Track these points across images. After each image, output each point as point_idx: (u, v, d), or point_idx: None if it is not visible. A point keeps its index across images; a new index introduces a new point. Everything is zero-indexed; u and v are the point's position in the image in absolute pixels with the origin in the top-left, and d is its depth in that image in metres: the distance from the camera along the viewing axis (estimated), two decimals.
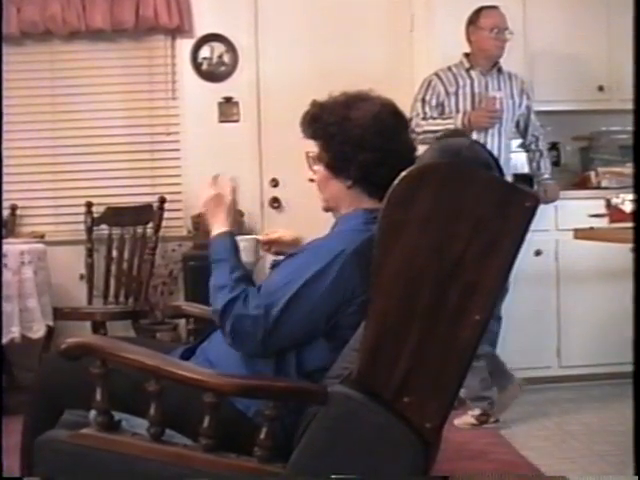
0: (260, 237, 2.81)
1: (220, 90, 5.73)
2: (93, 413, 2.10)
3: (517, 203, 1.84)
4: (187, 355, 2.45)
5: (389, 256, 1.86)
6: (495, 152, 4.76)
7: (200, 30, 5.71)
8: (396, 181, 1.84)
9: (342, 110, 2.37)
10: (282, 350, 2.26)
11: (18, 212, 5.63)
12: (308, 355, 2.25)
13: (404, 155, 2.32)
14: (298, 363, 2.25)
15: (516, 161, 5.24)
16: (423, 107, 4.91)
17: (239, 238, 2.66)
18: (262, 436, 2.00)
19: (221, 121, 5.74)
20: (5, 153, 5.33)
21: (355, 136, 2.33)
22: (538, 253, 5.12)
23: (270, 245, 2.80)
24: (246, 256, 2.60)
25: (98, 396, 2.07)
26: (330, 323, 2.23)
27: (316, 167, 2.46)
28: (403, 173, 1.85)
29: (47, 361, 2.76)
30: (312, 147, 2.47)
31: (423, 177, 1.85)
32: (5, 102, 5.35)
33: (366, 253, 2.15)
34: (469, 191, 1.84)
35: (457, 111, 4.88)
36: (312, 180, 2.50)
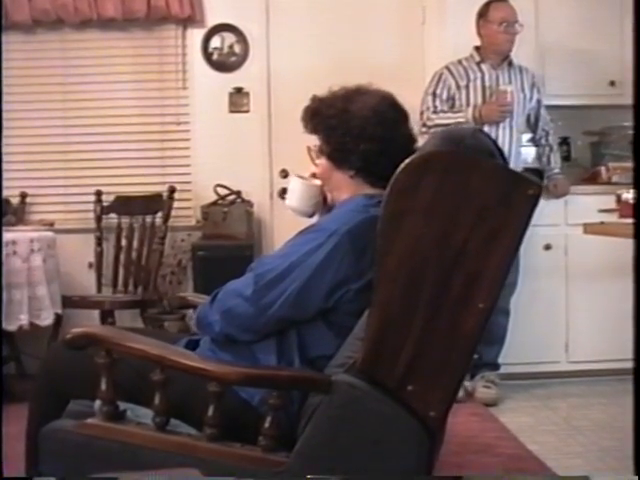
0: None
1: (230, 80, 5.72)
2: (98, 403, 2.11)
3: (520, 191, 1.84)
4: (191, 346, 2.45)
5: (393, 244, 1.87)
6: (506, 146, 4.76)
7: (211, 20, 5.70)
8: (399, 169, 1.85)
9: (341, 103, 2.41)
10: (281, 332, 2.28)
11: (28, 200, 5.64)
12: (310, 340, 2.27)
13: (404, 146, 2.35)
14: (301, 349, 2.26)
15: (526, 155, 5.23)
16: (434, 101, 4.91)
17: (309, 184, 2.57)
18: (266, 425, 2.01)
19: (231, 111, 5.73)
20: (16, 141, 5.39)
21: (355, 127, 2.37)
22: (547, 247, 5.11)
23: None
24: (314, 206, 2.55)
25: (103, 386, 2.09)
26: (327, 305, 2.24)
27: (318, 160, 2.49)
28: (406, 161, 1.85)
29: (53, 350, 2.77)
30: (316, 141, 2.49)
31: (426, 165, 1.86)
32: (16, 90, 5.40)
33: (361, 234, 2.19)
34: (472, 179, 1.84)
35: (468, 105, 4.88)
36: (314, 175, 2.53)
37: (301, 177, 2.59)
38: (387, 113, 2.38)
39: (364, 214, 2.25)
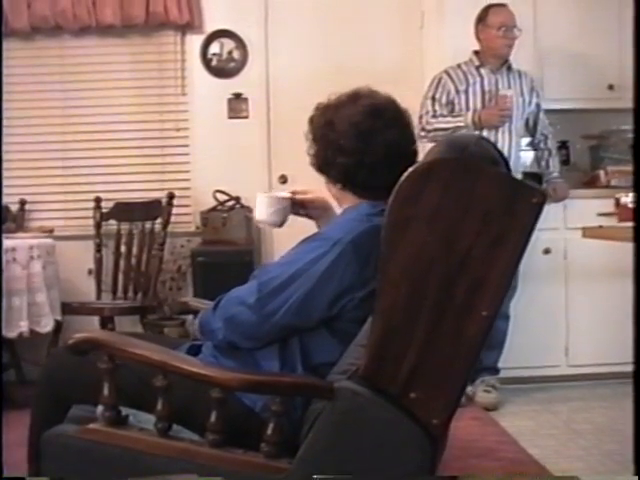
0: (292, 196, 2.65)
1: (229, 86, 5.73)
2: (100, 408, 2.11)
3: (524, 199, 1.84)
4: (193, 351, 2.45)
5: (396, 252, 1.87)
6: (505, 150, 4.76)
7: (210, 26, 5.71)
8: (403, 177, 1.84)
9: (331, 114, 2.41)
10: (283, 339, 2.28)
11: (27, 207, 5.64)
12: (313, 347, 2.26)
13: (387, 154, 2.33)
14: (303, 356, 2.26)
15: (525, 159, 5.24)
16: (433, 105, 4.91)
17: (269, 195, 2.64)
18: (269, 431, 2.01)
19: (230, 117, 5.74)
20: (15, 148, 5.39)
21: (333, 141, 2.37)
22: (547, 251, 5.11)
23: (300, 206, 2.69)
24: (276, 215, 2.59)
25: (105, 391, 2.08)
26: (331, 313, 2.23)
27: None
28: (410, 169, 1.85)
29: (54, 356, 2.77)
30: None
31: (430, 173, 1.85)
32: (15, 97, 5.41)
33: (364, 243, 2.19)
34: (476, 187, 1.84)
35: (467, 109, 4.89)
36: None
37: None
38: (363, 124, 2.34)
39: (367, 223, 2.25)
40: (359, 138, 2.33)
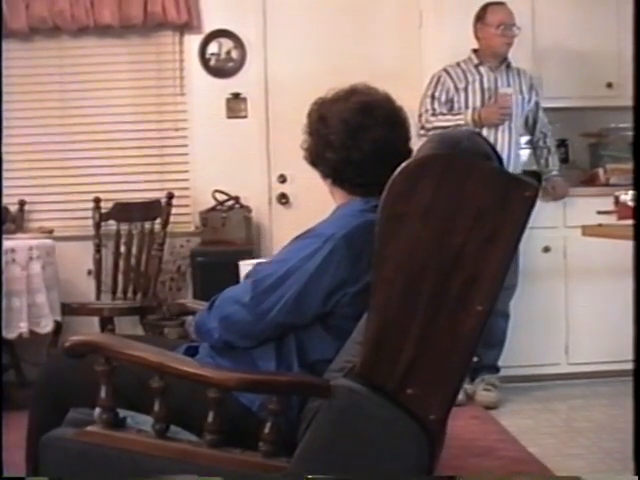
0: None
1: (228, 86, 5.72)
2: (98, 410, 2.11)
3: (517, 193, 1.84)
4: (191, 352, 2.45)
5: (390, 248, 1.87)
6: (505, 148, 4.77)
7: (208, 26, 5.70)
8: (396, 173, 1.85)
9: (324, 109, 2.42)
10: (279, 337, 2.28)
11: (27, 207, 5.64)
12: (308, 344, 2.27)
13: (374, 151, 2.33)
14: (299, 353, 2.26)
15: (524, 157, 5.24)
16: (432, 103, 4.91)
17: (247, 263, 2.75)
18: (266, 430, 2.01)
19: (229, 117, 5.74)
20: (14, 149, 5.39)
21: (323, 136, 2.38)
22: (546, 250, 5.12)
23: None
24: None
25: (103, 393, 2.09)
26: (325, 309, 2.24)
27: None
28: (402, 165, 1.85)
29: (52, 358, 2.77)
30: None
31: (423, 168, 1.85)
32: (14, 98, 5.40)
33: (357, 238, 2.20)
34: (469, 182, 1.84)
35: (466, 107, 4.88)
36: None
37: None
38: (353, 121, 2.34)
39: (360, 219, 2.25)
40: (348, 134, 2.34)
